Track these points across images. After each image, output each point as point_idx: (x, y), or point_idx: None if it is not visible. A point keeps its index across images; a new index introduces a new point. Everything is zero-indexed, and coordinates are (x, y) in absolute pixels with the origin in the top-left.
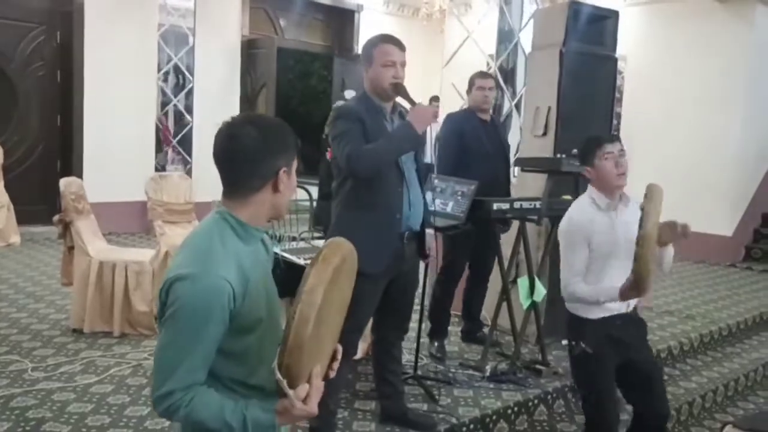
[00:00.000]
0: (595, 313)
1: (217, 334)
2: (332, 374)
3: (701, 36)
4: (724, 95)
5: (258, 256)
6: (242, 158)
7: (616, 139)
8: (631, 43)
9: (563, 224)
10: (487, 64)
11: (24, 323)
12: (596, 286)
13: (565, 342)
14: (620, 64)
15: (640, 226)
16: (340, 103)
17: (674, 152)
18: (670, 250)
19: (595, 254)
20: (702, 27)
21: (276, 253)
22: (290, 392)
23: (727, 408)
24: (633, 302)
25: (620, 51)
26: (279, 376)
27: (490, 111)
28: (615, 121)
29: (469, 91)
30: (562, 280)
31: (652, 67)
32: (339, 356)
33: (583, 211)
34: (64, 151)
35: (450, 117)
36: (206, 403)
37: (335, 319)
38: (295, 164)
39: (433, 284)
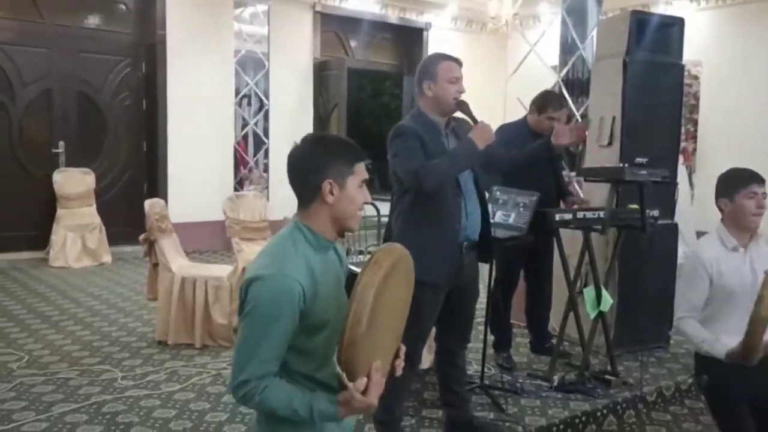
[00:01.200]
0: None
1: (288, 330)
2: (397, 372)
3: None
4: None
5: (329, 264)
6: (294, 171)
7: (763, 180)
8: (705, 48)
9: (688, 257)
10: (557, 78)
11: (114, 336)
12: (706, 333)
13: (693, 380)
14: (696, 70)
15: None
16: None
17: (755, 157)
18: None
19: (716, 294)
20: None
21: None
22: (349, 384)
23: None
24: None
25: (694, 56)
26: (339, 369)
27: None
28: (691, 128)
29: (535, 112)
30: (676, 312)
31: (729, 71)
32: (402, 354)
33: (710, 248)
34: (150, 175)
35: (502, 128)
36: (278, 391)
37: (393, 320)
38: (353, 178)
39: (489, 296)
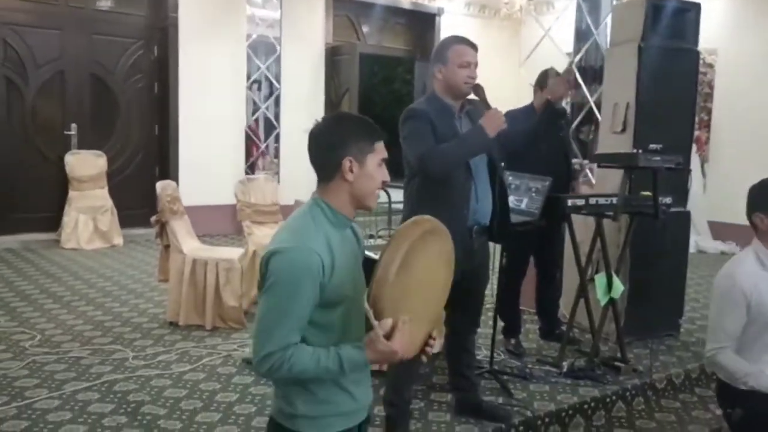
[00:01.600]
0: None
1: (309, 301)
2: (429, 350)
3: None
4: None
5: (346, 241)
6: (314, 148)
7: None
8: (721, 36)
9: (721, 278)
10: (570, 63)
11: (126, 317)
12: (749, 366)
13: (719, 410)
14: (711, 58)
15: None
16: None
17: None
18: None
19: (754, 321)
20: None
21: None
22: (375, 322)
23: None
24: None
25: (710, 44)
26: (367, 306)
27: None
28: (705, 117)
29: (539, 89)
30: (709, 342)
31: (745, 60)
32: (433, 342)
33: (746, 269)
34: (161, 158)
35: (509, 114)
36: (304, 356)
37: (427, 288)
38: (372, 156)
39: (497, 282)
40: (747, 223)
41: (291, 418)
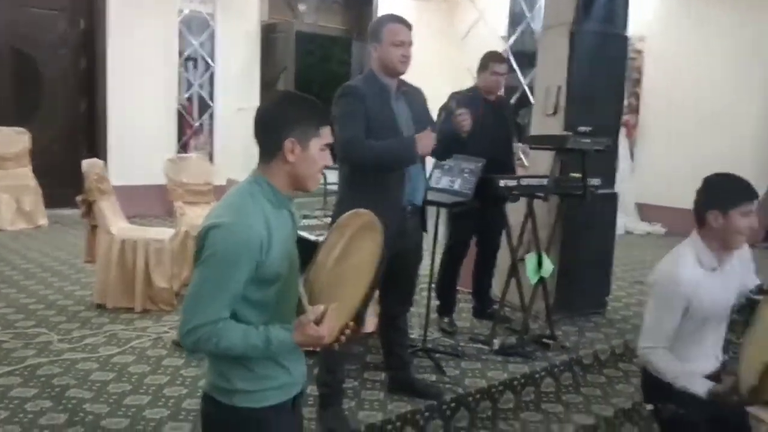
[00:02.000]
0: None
1: (243, 277)
2: (339, 343)
3: (722, 15)
4: (744, 75)
5: (283, 220)
6: (259, 125)
7: (757, 195)
8: (650, 24)
9: (662, 278)
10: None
11: (51, 299)
12: (680, 367)
13: (649, 407)
14: (640, 45)
15: None
16: None
17: (695, 133)
18: None
19: (690, 318)
20: (723, 6)
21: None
22: (308, 306)
23: None
24: (721, 357)
25: (640, 31)
26: (302, 289)
27: (500, 92)
28: (634, 101)
29: (481, 71)
30: (643, 339)
31: (673, 47)
32: (350, 328)
33: (688, 273)
34: (89, 135)
35: (454, 96)
36: (233, 331)
37: (357, 276)
38: (316, 141)
39: (440, 262)
40: (673, 205)
41: (225, 393)
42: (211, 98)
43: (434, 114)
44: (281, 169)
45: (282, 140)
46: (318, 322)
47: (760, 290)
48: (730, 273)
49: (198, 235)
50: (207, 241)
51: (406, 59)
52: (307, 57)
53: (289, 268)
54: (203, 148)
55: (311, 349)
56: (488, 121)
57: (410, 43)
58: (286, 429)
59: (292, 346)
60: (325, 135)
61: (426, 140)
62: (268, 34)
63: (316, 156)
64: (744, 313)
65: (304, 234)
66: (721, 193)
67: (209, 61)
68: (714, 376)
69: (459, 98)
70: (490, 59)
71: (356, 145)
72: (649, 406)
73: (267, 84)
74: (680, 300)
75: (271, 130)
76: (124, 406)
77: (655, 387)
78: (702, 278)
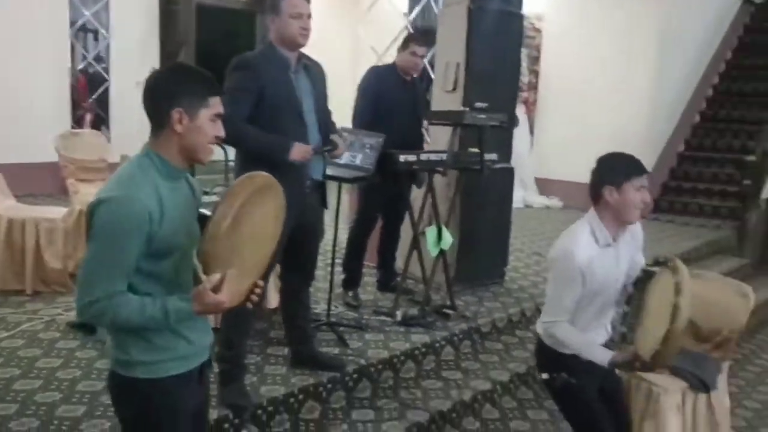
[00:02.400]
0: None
1: (135, 250)
2: (255, 298)
3: None
4: (635, 52)
5: (179, 192)
6: (146, 96)
7: (646, 170)
8: (549, 3)
9: (559, 255)
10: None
11: None
12: (584, 339)
13: (544, 376)
14: (537, 23)
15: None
16: None
17: (589, 109)
18: None
19: (585, 293)
20: None
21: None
22: (203, 276)
23: None
24: (611, 329)
25: (537, 10)
26: (196, 261)
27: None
28: (533, 79)
29: (401, 50)
30: (546, 314)
31: (568, 26)
32: (259, 290)
33: (583, 248)
34: None
35: (373, 70)
36: (129, 304)
37: (258, 241)
38: (205, 110)
39: (347, 235)
40: (569, 179)
41: (126, 366)
42: (107, 72)
43: (338, 88)
44: (171, 140)
45: (169, 110)
46: (216, 290)
47: (656, 262)
48: (622, 248)
49: (87, 211)
50: (95, 216)
51: (305, 32)
52: (210, 30)
53: (187, 239)
54: (99, 123)
55: (213, 326)
56: (402, 100)
57: (309, 15)
58: (190, 398)
59: (190, 315)
60: (215, 105)
61: (301, 151)
62: (168, 6)
63: (205, 126)
64: (640, 285)
65: (203, 210)
66: (615, 169)
67: (104, 32)
68: (605, 347)
69: (377, 71)
70: (412, 40)
71: (233, 126)
72: (544, 375)
73: (167, 58)
74: (577, 274)
75: (158, 100)
76: (12, 391)
77: (549, 357)
78: (596, 254)
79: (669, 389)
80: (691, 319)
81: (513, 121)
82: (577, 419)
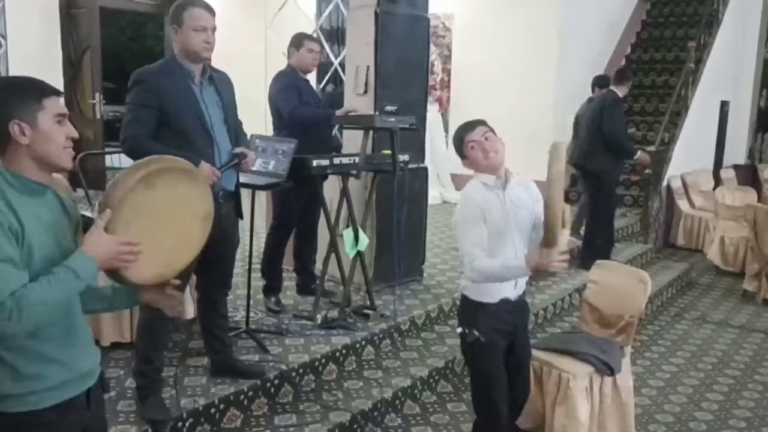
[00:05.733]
0: (492, 296)
1: (9, 248)
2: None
3: None
4: (540, 44)
5: (43, 206)
6: None
7: (478, 124)
8: (457, 2)
9: (458, 207)
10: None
11: None
12: (500, 263)
13: (459, 329)
14: (447, 22)
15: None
16: None
17: (500, 103)
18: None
19: (489, 232)
20: None
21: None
22: (95, 215)
23: (537, 334)
24: (521, 287)
25: (448, 9)
26: (93, 214)
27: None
28: (446, 77)
29: (295, 50)
30: (467, 259)
31: (477, 23)
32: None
33: (475, 189)
34: None
35: (283, 73)
36: (33, 289)
37: (171, 220)
38: (43, 114)
39: (265, 242)
40: None
41: None
42: None
43: (251, 91)
44: (20, 154)
45: (5, 125)
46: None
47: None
48: (516, 198)
49: None
50: None
51: (209, 45)
52: (118, 34)
53: (58, 253)
54: None
55: (129, 340)
56: (312, 99)
57: (214, 29)
58: (75, 429)
59: (94, 264)
60: (52, 106)
61: (207, 170)
62: (69, 10)
63: (51, 131)
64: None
65: (86, 213)
66: (455, 146)
67: (1, 39)
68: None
69: (287, 72)
70: (304, 37)
71: (136, 143)
72: (459, 329)
73: (71, 63)
74: (476, 211)
75: None
76: None
77: (466, 315)
78: (486, 194)
79: (577, 374)
80: (595, 306)
81: (423, 123)
82: (475, 382)
